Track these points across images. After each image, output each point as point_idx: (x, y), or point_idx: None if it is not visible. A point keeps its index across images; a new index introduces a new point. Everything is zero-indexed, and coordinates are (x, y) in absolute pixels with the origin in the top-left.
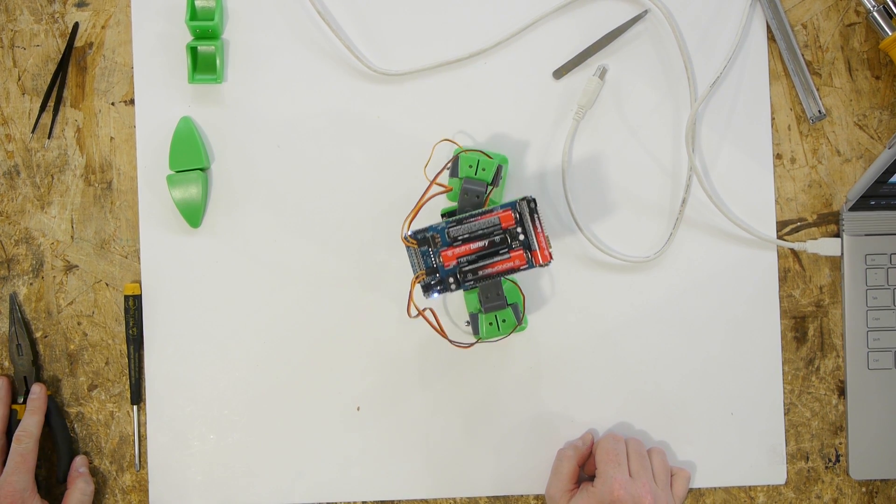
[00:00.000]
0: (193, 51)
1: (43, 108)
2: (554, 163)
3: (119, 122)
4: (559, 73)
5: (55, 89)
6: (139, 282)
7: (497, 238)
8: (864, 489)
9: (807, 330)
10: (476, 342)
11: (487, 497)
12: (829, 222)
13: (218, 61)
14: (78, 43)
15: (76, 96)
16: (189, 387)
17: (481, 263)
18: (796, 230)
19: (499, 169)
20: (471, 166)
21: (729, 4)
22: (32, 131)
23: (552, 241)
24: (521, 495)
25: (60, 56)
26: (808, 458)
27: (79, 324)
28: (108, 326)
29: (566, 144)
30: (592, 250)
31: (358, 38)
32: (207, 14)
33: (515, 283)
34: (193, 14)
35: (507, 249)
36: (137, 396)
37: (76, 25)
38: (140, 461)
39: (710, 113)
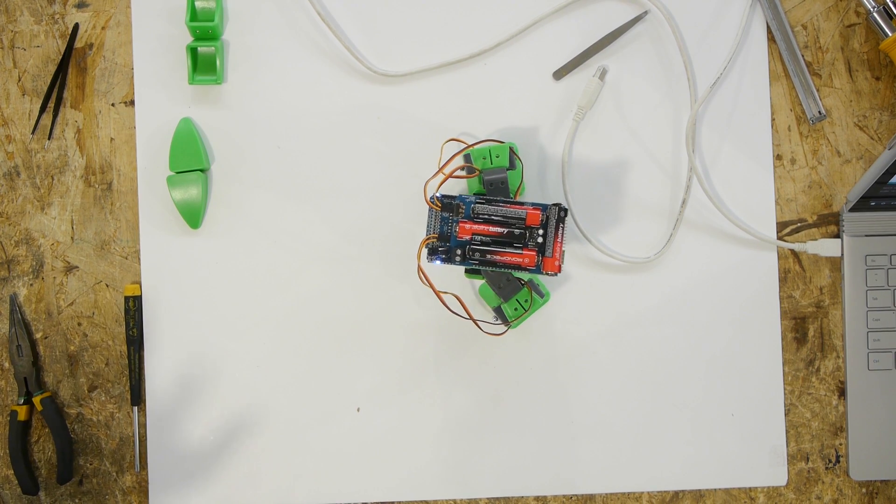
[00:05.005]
0: (193, 52)
1: (43, 109)
2: (554, 163)
3: (119, 123)
4: (559, 74)
5: (55, 90)
6: (139, 283)
7: (517, 231)
8: (864, 490)
9: (807, 331)
10: (507, 330)
11: (487, 498)
12: (830, 223)
13: (218, 62)
14: (78, 44)
15: (76, 97)
16: (189, 388)
17: (492, 248)
18: (796, 231)
19: (511, 151)
20: (484, 158)
21: (729, 5)
22: (32, 132)
23: None
24: (521, 496)
25: (60, 57)
26: (808, 459)
27: (79, 325)
28: (109, 327)
29: (566, 145)
30: (592, 251)
31: (358, 39)
32: (207, 15)
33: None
34: (193, 15)
35: (521, 246)
36: (137, 397)
37: (76, 26)
38: (140, 462)
39: (711, 114)
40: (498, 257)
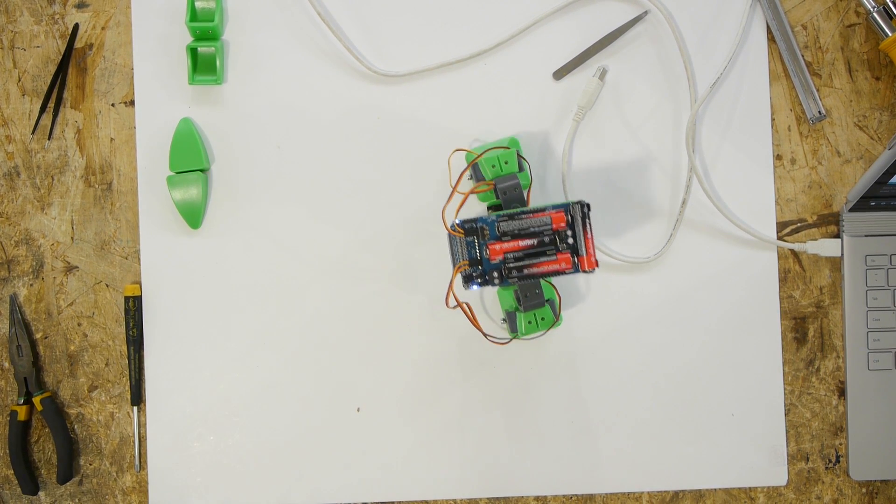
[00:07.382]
0: (193, 52)
1: (43, 110)
2: (554, 164)
3: (119, 124)
4: (559, 74)
5: (55, 90)
6: (139, 283)
7: (546, 238)
8: (864, 490)
9: (807, 331)
10: (511, 339)
11: (487, 498)
12: (830, 223)
13: (218, 62)
14: (78, 44)
15: (76, 97)
16: (189, 388)
17: (527, 262)
18: (796, 231)
19: (518, 154)
20: (493, 166)
21: (729, 5)
22: (32, 132)
23: None
24: (521, 496)
25: (60, 57)
26: (808, 459)
27: (79, 325)
28: (109, 327)
29: (566, 145)
30: None
31: (358, 40)
32: (207, 15)
33: (550, 283)
34: (193, 15)
35: (554, 251)
36: (137, 397)
37: (76, 26)
38: (140, 462)
39: (711, 114)
40: (535, 269)
